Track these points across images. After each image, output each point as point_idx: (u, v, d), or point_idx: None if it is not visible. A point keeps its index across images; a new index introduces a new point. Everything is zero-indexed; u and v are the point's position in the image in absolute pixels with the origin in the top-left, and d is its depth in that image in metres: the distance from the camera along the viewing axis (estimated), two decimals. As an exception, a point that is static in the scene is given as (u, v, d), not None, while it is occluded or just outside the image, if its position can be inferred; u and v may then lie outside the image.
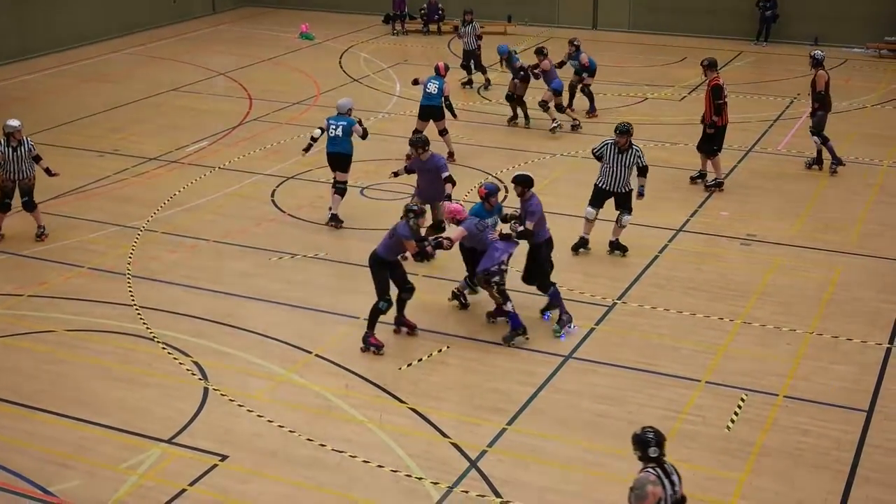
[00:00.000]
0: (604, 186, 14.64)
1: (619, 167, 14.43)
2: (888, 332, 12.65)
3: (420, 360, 12.16)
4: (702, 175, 17.74)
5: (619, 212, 14.72)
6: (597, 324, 13.00)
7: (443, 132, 18.46)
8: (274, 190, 17.59)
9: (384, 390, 11.57)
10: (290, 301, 13.66)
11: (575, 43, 21.21)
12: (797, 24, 29.17)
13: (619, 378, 11.80)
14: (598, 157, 14.66)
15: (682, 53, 27.62)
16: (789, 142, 20.29)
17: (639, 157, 14.44)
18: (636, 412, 11.05)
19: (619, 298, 13.65)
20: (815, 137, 18.12)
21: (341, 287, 14.05)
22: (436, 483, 9.97)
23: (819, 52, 18.45)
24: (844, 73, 25.86)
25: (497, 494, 9.80)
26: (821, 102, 18.02)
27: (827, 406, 11.23)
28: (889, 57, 27.76)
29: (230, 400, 11.38)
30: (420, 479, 10.03)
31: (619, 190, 14.57)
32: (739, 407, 11.21)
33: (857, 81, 25.10)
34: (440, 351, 12.29)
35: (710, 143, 17.39)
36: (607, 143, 14.53)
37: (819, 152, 18.44)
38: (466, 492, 9.85)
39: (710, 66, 17.23)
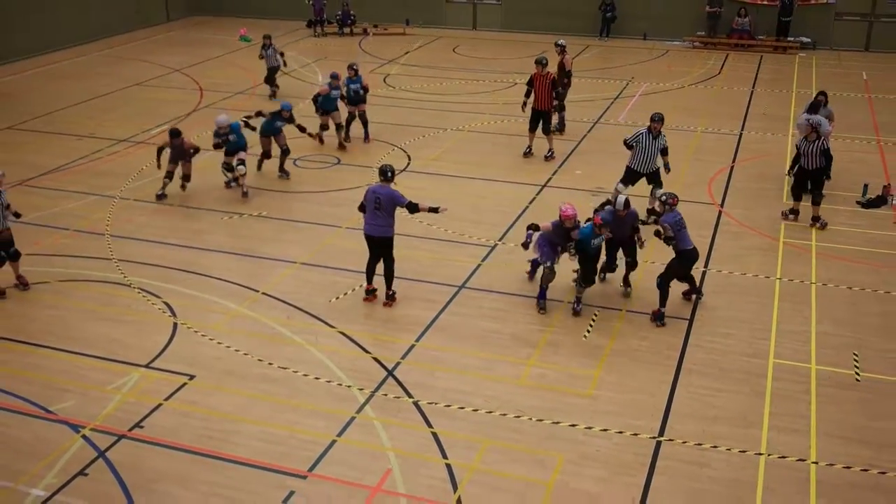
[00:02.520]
0: (637, 168, 13.96)
1: (651, 150, 13.81)
2: (703, 260, 12.99)
3: (345, 294, 12.13)
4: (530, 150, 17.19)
5: (651, 186, 14.09)
6: (483, 260, 13.10)
7: (362, 115, 18.19)
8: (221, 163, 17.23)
9: (318, 318, 11.53)
10: (241, 251, 13.45)
11: (559, 42, 18.70)
12: (631, 23, 29.41)
13: (502, 301, 11.93)
14: (630, 146, 13.96)
15: (543, 48, 27.68)
16: (626, 115, 20.57)
17: (664, 140, 13.96)
18: (516, 328, 11.23)
19: (500, 240, 13.77)
20: (557, 103, 17.86)
21: (281, 238, 13.88)
22: (361, 389, 10.01)
23: (562, 41, 18.44)
24: (667, 61, 26.27)
25: (409, 395, 9.90)
26: (568, 79, 18.21)
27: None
28: (700, 48, 28.25)
29: (195, 331, 11.22)
30: (349, 386, 10.06)
31: (649, 170, 13.98)
32: (593, 320, 11.45)
33: (677, 67, 25.48)
34: (361, 286, 12.26)
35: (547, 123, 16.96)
36: (641, 133, 13.88)
37: (562, 119, 18.69)
38: (386, 395, 9.92)
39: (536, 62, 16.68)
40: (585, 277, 11.47)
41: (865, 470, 8.68)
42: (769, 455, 8.90)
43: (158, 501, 8.37)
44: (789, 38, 27.90)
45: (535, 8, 30.23)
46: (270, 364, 10.49)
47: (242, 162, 15.21)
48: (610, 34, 29.39)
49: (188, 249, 13.57)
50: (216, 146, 15.51)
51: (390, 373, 10.31)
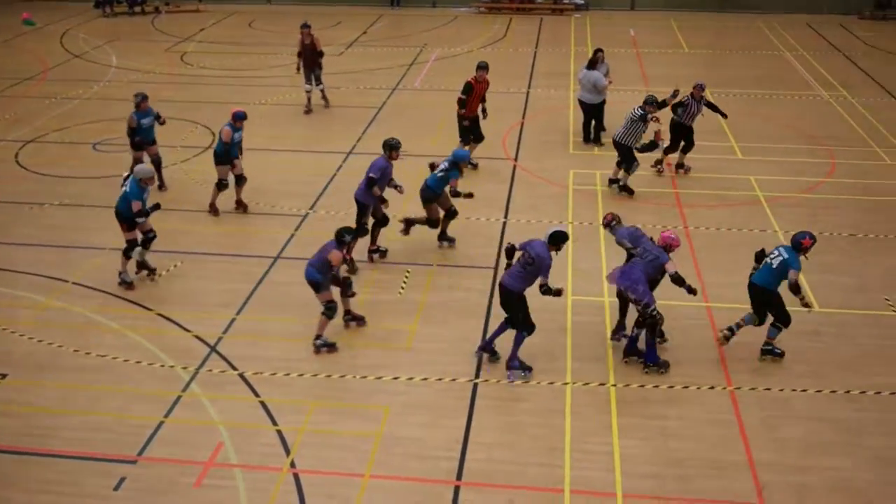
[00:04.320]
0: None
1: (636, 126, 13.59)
2: (503, 210, 13.40)
3: (160, 274, 11.65)
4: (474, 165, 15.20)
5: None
6: (296, 230, 12.93)
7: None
8: (17, 153, 16.01)
9: (135, 303, 11.02)
10: (44, 241, 12.60)
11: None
12: (420, -8, 29.70)
13: (361, 273, 11.76)
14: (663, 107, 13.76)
15: (338, 18, 27.41)
16: (422, 81, 20.75)
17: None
18: (378, 295, 11.10)
19: (311, 209, 13.63)
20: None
21: (87, 226, 13.09)
22: (185, 367, 9.70)
23: (307, 22, 17.76)
24: (456, 27, 26.67)
25: (234, 368, 9.69)
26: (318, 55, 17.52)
27: (467, 268, 11.83)
28: (485, 13, 28.83)
29: (2, 329, 10.45)
30: (172, 366, 9.72)
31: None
32: (406, 277, 11.60)
33: (466, 32, 25.92)
34: (175, 266, 11.82)
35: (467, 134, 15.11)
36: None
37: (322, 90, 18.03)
38: (210, 371, 9.66)
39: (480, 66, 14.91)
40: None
41: (657, 386, 9.33)
42: (574, 383, 9.39)
43: (-20, 506, 7.82)
44: (565, 1, 28.99)
45: (326, -20, 29.79)
46: (88, 354, 9.95)
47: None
48: (401, 3, 29.44)
49: (-13, 245, 12.57)
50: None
51: (213, 348, 10.04)
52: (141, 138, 13.69)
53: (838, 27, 26.48)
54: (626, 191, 13.96)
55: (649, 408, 9.04)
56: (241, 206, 13.49)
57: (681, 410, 8.97)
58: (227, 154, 13.07)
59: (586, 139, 16.29)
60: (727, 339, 9.92)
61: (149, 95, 13.83)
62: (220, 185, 13.23)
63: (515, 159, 15.63)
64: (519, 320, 9.41)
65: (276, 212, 13.45)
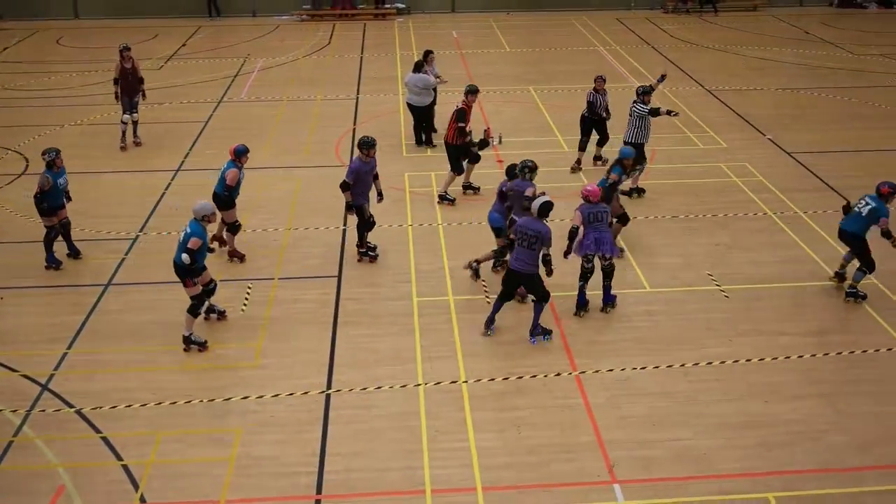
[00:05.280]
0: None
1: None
2: (341, 219, 13.33)
3: (-22, 314, 10.84)
4: (472, 187, 14.40)
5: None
6: (126, 254, 12.34)
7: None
8: None
9: (-50, 346, 10.19)
10: None
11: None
12: (240, 1, 29.02)
13: (152, 292, 11.33)
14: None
15: (154, 31, 26.41)
16: (248, 91, 20.33)
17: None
18: (170, 316, 10.71)
19: (141, 230, 13.05)
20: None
21: None
22: (14, 410, 9.04)
23: (127, 44, 16.30)
24: (279, 36, 26.31)
25: (70, 405, 9.13)
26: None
27: (309, 279, 11.68)
28: (308, 20, 28.58)
29: None
30: (1, 410, 9.05)
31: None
32: (248, 294, 11.32)
33: (290, 41, 25.58)
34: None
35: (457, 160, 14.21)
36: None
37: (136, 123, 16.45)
38: (44, 410, 9.05)
39: (470, 91, 14.31)
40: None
41: (506, 378, 9.55)
42: (426, 384, 9.45)
43: None
44: (387, 6, 29.16)
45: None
46: None
47: None
48: (220, 14, 28.74)
49: None
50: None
51: (45, 387, 9.41)
52: (50, 203, 11.61)
53: (646, 21, 28.01)
54: (638, 192, 14.07)
55: (501, 400, 9.22)
56: (218, 241, 12.16)
57: (531, 399, 9.21)
58: (231, 198, 11.71)
59: (418, 142, 16.46)
60: (842, 279, 11.21)
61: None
62: (234, 229, 11.90)
63: (350, 166, 15.56)
64: (539, 295, 10.07)
65: (102, 237, 12.78)
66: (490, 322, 10.34)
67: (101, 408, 9.07)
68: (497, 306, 10.32)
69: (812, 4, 30.65)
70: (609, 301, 10.83)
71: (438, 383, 9.48)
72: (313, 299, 11.16)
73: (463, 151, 14.12)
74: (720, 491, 7.92)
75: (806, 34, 26.23)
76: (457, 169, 14.04)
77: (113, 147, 16.39)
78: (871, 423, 8.81)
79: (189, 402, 9.19)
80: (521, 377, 9.57)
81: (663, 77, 15.44)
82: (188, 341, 10.00)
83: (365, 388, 9.39)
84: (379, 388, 9.40)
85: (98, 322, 10.69)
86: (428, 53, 16.64)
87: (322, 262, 12.07)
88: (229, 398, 9.24)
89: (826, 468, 8.18)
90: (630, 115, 13.93)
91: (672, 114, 14.15)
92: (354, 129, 17.51)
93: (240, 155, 11.67)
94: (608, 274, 10.69)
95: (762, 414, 8.96)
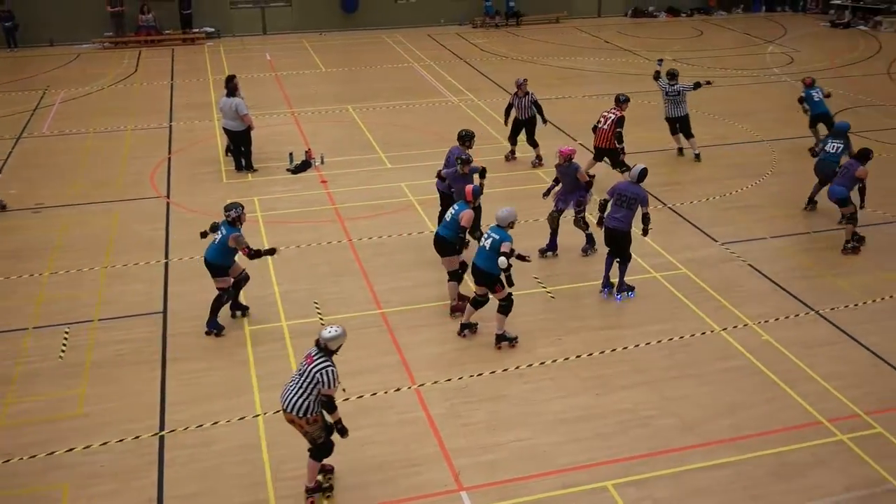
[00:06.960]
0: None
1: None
2: (163, 251, 12.83)
3: None
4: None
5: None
6: None
7: None
8: None
9: None
10: None
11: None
12: (34, 31, 27.41)
13: (10, 342, 10.48)
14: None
15: (-61, 67, 24.51)
16: (50, 125, 19.20)
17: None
18: (36, 364, 9.94)
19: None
20: None
21: None
22: None
23: None
24: (81, 65, 25.05)
25: None
26: None
27: (133, 317, 11.13)
28: (111, 48, 27.40)
29: None
30: None
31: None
32: (66, 339, 10.65)
33: (93, 70, 24.41)
34: None
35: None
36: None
37: None
38: None
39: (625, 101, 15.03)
40: None
41: (347, 399, 9.43)
42: (265, 413, 9.21)
43: None
44: (195, 30, 28.40)
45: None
46: None
47: None
48: (17, 45, 27.03)
49: None
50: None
51: None
52: None
53: (457, 37, 28.72)
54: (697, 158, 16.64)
55: (344, 422, 9.10)
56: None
57: (373, 418, 9.16)
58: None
59: (238, 167, 16.08)
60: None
61: None
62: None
63: (168, 196, 15.00)
64: (627, 254, 11.27)
65: None
66: (606, 282, 11.46)
67: None
68: (608, 263, 11.44)
69: (608, 15, 32.49)
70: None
71: (277, 412, 9.23)
72: (138, 338, 10.63)
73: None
74: (563, 485, 8.17)
75: (606, 43, 27.74)
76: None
77: None
78: (693, 404, 9.36)
79: (7, 461, 8.52)
80: (361, 396, 9.51)
81: (661, 61, 17.46)
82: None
83: (201, 425, 9.03)
84: (216, 423, 9.07)
85: None
86: (231, 78, 15.94)
87: (145, 298, 11.54)
88: (52, 452, 8.63)
89: (657, 451, 8.62)
90: (677, 95, 16.16)
91: (707, 83, 17.14)
92: (170, 159, 16.90)
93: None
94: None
95: (595, 406, 9.33)
